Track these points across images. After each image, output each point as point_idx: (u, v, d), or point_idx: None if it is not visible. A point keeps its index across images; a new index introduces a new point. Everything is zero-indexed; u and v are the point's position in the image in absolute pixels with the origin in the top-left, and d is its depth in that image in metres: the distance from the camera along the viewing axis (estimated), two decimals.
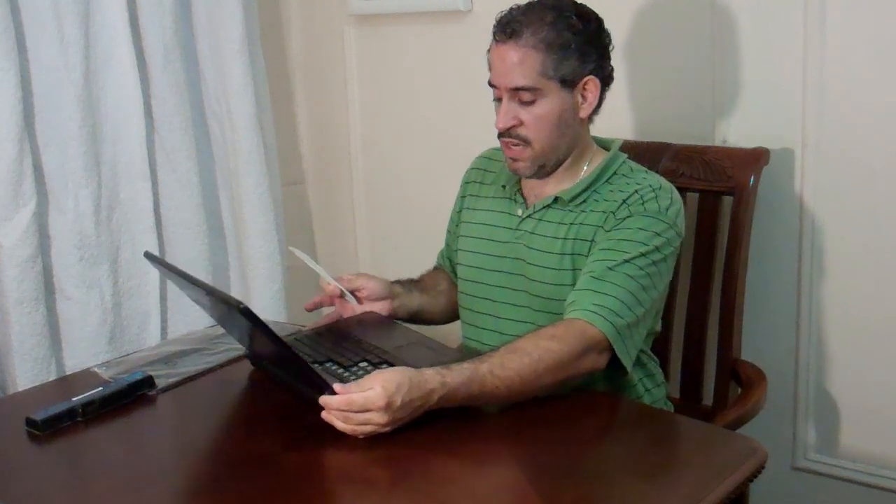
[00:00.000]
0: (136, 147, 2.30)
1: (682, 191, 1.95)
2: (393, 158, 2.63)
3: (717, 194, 1.94)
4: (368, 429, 1.38)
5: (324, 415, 1.40)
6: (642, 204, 1.63)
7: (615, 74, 1.72)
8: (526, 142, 1.65)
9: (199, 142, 2.44)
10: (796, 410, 2.04)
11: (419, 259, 2.29)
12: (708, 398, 1.96)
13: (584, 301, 1.55)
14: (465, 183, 1.91)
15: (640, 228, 1.61)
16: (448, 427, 1.44)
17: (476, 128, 1.90)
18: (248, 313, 1.38)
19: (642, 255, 1.59)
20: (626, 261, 1.58)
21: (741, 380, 1.86)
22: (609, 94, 1.72)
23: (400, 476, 1.34)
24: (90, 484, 1.36)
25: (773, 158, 1.92)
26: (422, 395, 1.39)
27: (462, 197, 1.90)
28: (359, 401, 1.37)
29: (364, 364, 1.56)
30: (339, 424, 1.39)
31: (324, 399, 1.39)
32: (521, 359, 1.47)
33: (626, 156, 1.74)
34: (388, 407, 1.36)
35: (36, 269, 2.16)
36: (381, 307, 1.79)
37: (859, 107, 1.87)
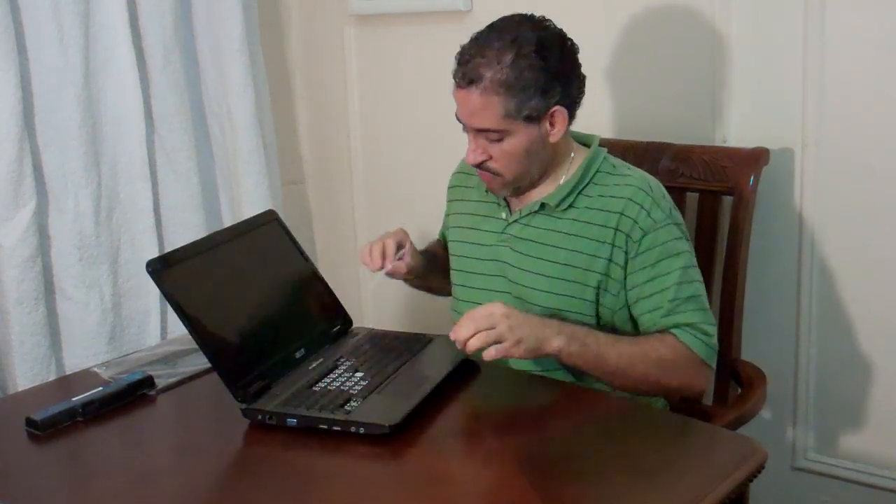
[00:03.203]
0: (136, 147, 2.30)
1: (682, 191, 1.95)
2: (393, 158, 2.63)
3: (717, 194, 1.94)
4: (495, 329, 1.48)
5: (452, 335, 1.50)
6: (649, 216, 1.64)
7: (616, 74, 1.72)
8: (497, 174, 1.67)
9: (199, 142, 2.44)
10: (796, 410, 2.04)
11: None
12: (708, 398, 1.96)
13: (675, 328, 1.63)
14: (450, 188, 1.92)
15: (666, 241, 1.65)
16: (448, 427, 1.44)
17: None
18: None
19: (685, 266, 1.65)
20: (681, 282, 1.64)
21: (741, 380, 1.86)
22: (609, 95, 1.71)
23: (400, 476, 1.34)
24: (90, 484, 1.37)
25: (773, 158, 1.92)
26: (541, 319, 1.55)
27: (449, 202, 1.92)
28: (479, 308, 1.52)
29: (359, 374, 1.55)
30: (464, 331, 1.49)
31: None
32: (632, 342, 1.61)
33: (605, 151, 1.74)
34: (506, 308, 1.51)
35: (36, 269, 2.16)
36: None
37: (859, 107, 1.87)
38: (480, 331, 1.50)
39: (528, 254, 1.70)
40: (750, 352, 1.93)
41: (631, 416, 1.52)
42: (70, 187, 2.21)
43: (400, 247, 1.77)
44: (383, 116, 2.62)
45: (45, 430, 1.45)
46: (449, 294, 1.91)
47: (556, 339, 1.54)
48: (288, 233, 1.75)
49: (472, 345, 1.49)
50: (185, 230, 2.40)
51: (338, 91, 2.68)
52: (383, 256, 1.75)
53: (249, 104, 2.42)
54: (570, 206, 1.68)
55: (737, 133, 2.00)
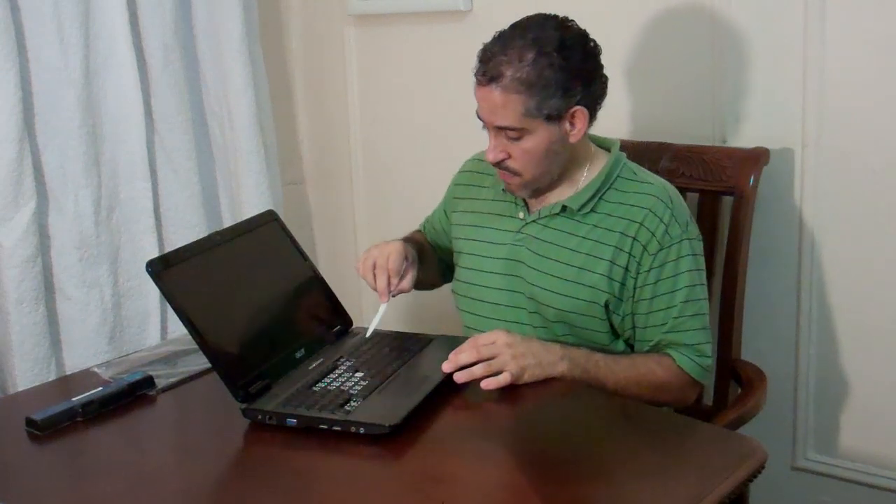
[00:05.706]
0: (136, 147, 2.30)
1: (682, 191, 1.94)
2: (393, 158, 2.63)
3: (717, 194, 1.94)
4: (497, 358, 1.52)
5: (448, 366, 1.53)
6: (667, 232, 1.64)
7: (616, 74, 1.72)
8: (516, 173, 1.67)
9: (199, 142, 2.45)
10: (796, 410, 2.04)
11: None
12: (708, 398, 1.96)
13: (672, 347, 1.67)
14: (455, 185, 1.92)
15: (679, 258, 1.65)
16: (448, 426, 1.44)
17: (475, 128, 1.90)
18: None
19: (692, 284, 1.66)
20: (686, 300, 1.65)
21: (741, 380, 1.86)
22: (610, 94, 1.71)
23: (400, 476, 1.34)
24: (90, 484, 1.36)
25: (773, 158, 1.92)
26: (543, 345, 1.58)
27: (455, 198, 1.90)
28: (482, 336, 1.55)
29: (359, 374, 1.56)
30: (464, 358, 1.52)
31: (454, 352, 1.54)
32: (630, 366, 1.63)
33: (625, 156, 1.75)
34: (509, 336, 1.55)
35: (36, 269, 2.16)
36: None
37: (859, 107, 1.87)
38: (483, 360, 1.53)
39: (545, 255, 1.70)
40: (750, 352, 1.94)
41: (631, 416, 1.52)
42: (70, 187, 2.21)
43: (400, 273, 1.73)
44: (383, 116, 2.62)
45: (45, 430, 1.45)
46: (431, 288, 1.92)
47: (560, 365, 1.56)
48: (288, 233, 1.75)
49: (475, 373, 1.52)
50: (185, 230, 2.40)
51: (338, 91, 2.68)
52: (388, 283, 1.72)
53: (249, 104, 2.42)
54: (592, 210, 1.68)
55: (737, 133, 2.00)
